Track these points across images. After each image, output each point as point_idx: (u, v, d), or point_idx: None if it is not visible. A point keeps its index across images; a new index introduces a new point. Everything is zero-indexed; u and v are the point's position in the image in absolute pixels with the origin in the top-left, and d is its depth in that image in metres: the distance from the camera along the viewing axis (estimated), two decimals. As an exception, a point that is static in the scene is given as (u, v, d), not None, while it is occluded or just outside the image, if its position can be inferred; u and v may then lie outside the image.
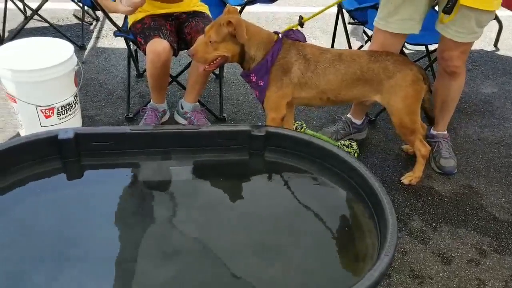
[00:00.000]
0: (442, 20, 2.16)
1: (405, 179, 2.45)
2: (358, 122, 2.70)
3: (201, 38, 2.16)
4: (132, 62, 2.91)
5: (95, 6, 2.51)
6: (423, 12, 2.21)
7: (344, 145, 2.55)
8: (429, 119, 2.45)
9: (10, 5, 3.57)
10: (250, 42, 2.06)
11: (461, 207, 2.36)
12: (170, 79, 2.73)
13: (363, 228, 1.41)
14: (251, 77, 2.14)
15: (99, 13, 3.88)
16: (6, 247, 1.33)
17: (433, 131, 2.62)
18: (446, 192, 2.44)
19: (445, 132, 2.61)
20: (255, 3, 2.62)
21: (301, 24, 2.22)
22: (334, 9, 3.16)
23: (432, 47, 3.01)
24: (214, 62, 2.11)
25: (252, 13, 4.05)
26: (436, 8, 2.29)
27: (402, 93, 2.16)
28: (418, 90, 2.18)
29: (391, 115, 2.26)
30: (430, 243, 2.14)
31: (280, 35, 2.15)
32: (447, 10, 2.06)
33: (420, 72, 2.19)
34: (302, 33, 2.19)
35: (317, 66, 2.13)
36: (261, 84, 2.13)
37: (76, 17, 3.92)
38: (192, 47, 2.12)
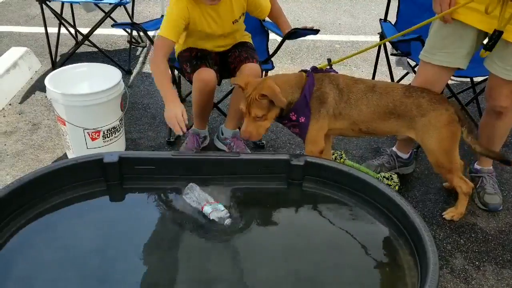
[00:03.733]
0: (482, 55, 2.10)
1: (447, 215, 2.37)
2: (404, 156, 2.64)
3: (247, 121, 2.08)
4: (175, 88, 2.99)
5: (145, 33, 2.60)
6: (471, 47, 2.13)
7: (384, 177, 2.51)
8: (493, 159, 2.40)
9: (62, 30, 3.76)
10: (284, 93, 2.05)
11: (507, 246, 2.25)
12: (212, 106, 2.78)
13: (404, 265, 1.38)
14: (291, 116, 2.13)
15: (146, 39, 4.03)
16: (48, 265, 1.37)
17: (477, 166, 2.54)
18: (490, 229, 2.35)
19: (490, 167, 2.52)
20: (297, 37, 2.63)
21: (330, 66, 2.23)
22: (376, 38, 3.16)
23: (477, 79, 2.95)
24: None
25: (293, 42, 4.09)
26: (485, 41, 2.18)
27: (436, 134, 2.11)
28: (453, 131, 2.11)
29: (426, 153, 2.21)
30: (473, 283, 2.06)
31: (309, 70, 2.17)
32: (489, 48, 2.01)
33: (457, 113, 2.12)
34: (333, 69, 2.22)
35: (350, 96, 2.12)
36: (302, 120, 2.12)
37: (129, 42, 4.01)
38: (244, 131, 2.08)
